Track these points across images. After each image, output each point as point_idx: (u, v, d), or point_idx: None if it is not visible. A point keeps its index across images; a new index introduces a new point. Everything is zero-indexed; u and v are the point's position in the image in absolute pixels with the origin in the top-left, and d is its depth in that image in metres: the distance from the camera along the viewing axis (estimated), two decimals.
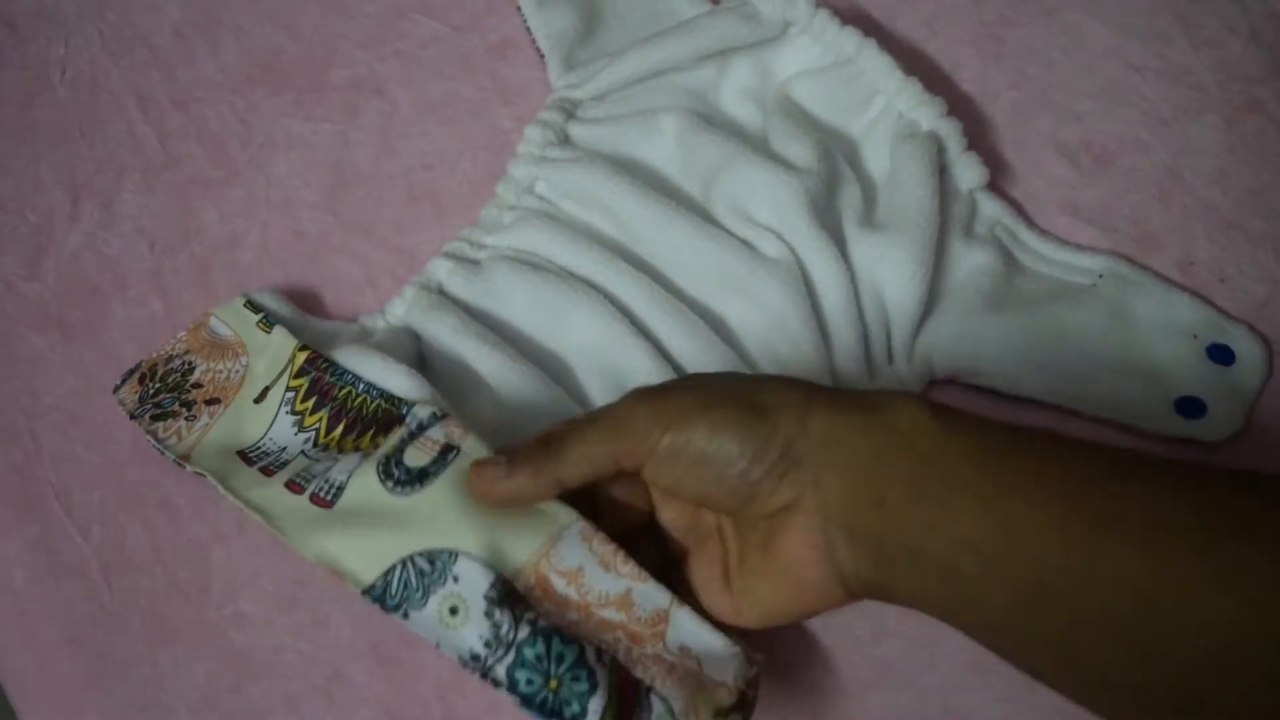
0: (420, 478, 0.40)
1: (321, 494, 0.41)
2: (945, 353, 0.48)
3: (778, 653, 0.43)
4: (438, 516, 0.39)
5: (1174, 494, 0.30)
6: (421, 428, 0.41)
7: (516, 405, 0.45)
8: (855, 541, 0.34)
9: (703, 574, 0.39)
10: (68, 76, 0.57)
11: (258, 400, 0.45)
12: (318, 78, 0.56)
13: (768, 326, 0.47)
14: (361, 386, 0.43)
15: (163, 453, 0.44)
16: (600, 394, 0.46)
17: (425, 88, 0.56)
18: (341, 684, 0.44)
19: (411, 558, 0.38)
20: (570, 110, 0.52)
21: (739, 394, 0.35)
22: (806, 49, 0.53)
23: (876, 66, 0.51)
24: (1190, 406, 0.46)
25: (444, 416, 0.41)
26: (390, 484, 0.40)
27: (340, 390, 0.43)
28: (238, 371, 0.46)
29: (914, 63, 0.54)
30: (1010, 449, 0.32)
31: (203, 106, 0.56)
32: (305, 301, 0.50)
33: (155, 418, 0.45)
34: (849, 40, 0.52)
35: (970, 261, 0.49)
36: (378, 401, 0.43)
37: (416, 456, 0.40)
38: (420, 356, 0.48)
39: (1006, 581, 0.31)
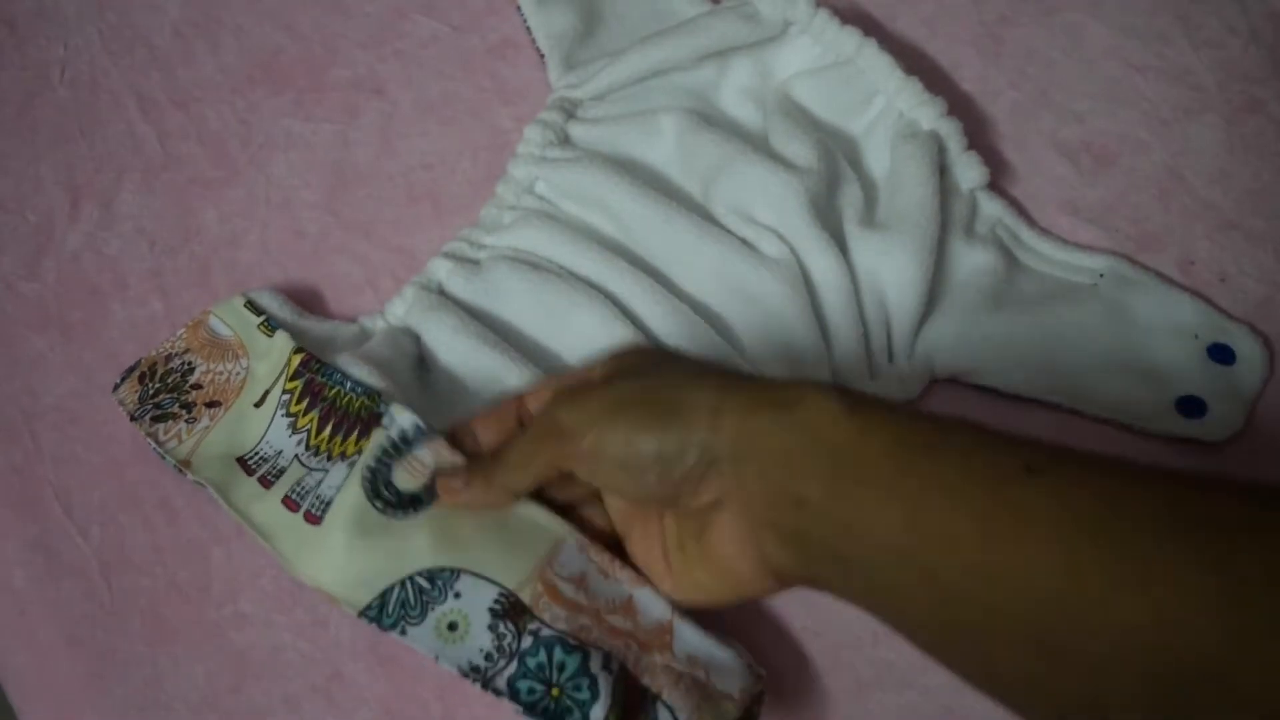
0: (413, 503, 0.40)
1: (314, 510, 0.41)
2: (946, 352, 0.48)
3: (778, 653, 0.43)
4: (435, 539, 0.40)
5: (1092, 491, 0.29)
6: (406, 441, 0.41)
7: None
8: (781, 539, 0.34)
9: (643, 555, 0.39)
10: (68, 76, 0.57)
11: (258, 404, 0.45)
12: (318, 78, 0.56)
13: (767, 326, 0.47)
14: (349, 385, 0.43)
15: (163, 457, 0.44)
16: None
17: (425, 88, 0.56)
18: (341, 684, 0.44)
19: (411, 578, 0.39)
20: (570, 110, 0.52)
21: (655, 394, 0.35)
22: (806, 49, 0.53)
23: (877, 66, 0.51)
24: (1191, 406, 0.46)
25: (429, 431, 0.41)
26: (380, 504, 0.40)
27: (330, 390, 0.44)
28: (238, 374, 0.46)
29: (914, 62, 0.54)
30: (928, 446, 0.32)
31: (203, 106, 0.56)
32: (305, 301, 0.50)
33: (155, 419, 0.45)
34: (849, 40, 0.52)
35: (971, 261, 0.49)
36: (361, 399, 0.43)
37: (406, 480, 0.41)
38: (420, 357, 0.48)
39: (923, 582, 0.31)
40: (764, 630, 0.44)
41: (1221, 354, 0.48)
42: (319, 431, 0.43)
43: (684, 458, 0.34)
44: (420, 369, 0.47)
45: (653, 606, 0.39)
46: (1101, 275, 0.50)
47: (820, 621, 0.44)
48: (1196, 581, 0.27)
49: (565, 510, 0.41)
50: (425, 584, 0.39)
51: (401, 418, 0.42)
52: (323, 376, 0.44)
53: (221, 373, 0.46)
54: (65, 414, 0.49)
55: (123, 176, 0.54)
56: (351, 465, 0.41)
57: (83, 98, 0.57)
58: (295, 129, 0.55)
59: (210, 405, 0.45)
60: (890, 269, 0.47)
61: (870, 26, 0.55)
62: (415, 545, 0.39)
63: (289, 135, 0.55)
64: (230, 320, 0.47)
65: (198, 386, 0.46)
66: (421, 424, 0.41)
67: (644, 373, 0.37)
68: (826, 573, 0.34)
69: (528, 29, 0.56)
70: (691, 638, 0.38)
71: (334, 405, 0.43)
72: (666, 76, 0.53)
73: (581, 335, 0.47)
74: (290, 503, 0.42)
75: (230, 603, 0.45)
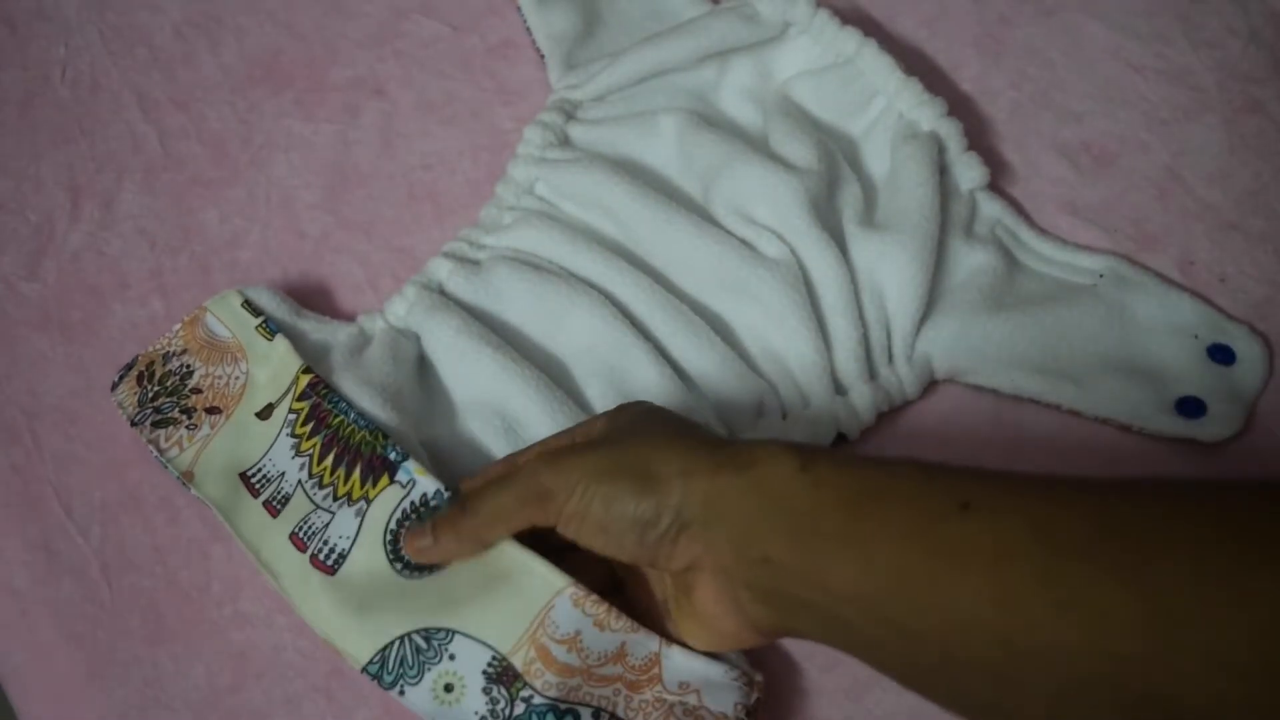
0: (432, 565, 0.40)
1: (321, 557, 0.41)
2: (946, 352, 0.48)
3: (778, 653, 0.43)
4: (438, 597, 0.40)
5: (1023, 520, 0.30)
6: (427, 505, 0.41)
7: (518, 407, 0.45)
8: (755, 596, 0.35)
9: (644, 601, 0.40)
10: (68, 76, 0.57)
11: (262, 416, 0.45)
12: (318, 78, 0.56)
13: (768, 326, 0.47)
14: (352, 415, 0.43)
15: (165, 466, 0.45)
16: (600, 395, 0.46)
17: (425, 88, 0.56)
18: (341, 683, 0.44)
19: (409, 635, 0.39)
20: (570, 111, 0.52)
21: (632, 461, 0.36)
22: (806, 49, 0.53)
23: (877, 67, 0.51)
24: (1191, 406, 0.46)
25: (451, 495, 0.41)
26: (399, 566, 0.40)
27: (334, 419, 0.43)
28: (238, 378, 0.46)
29: (914, 63, 0.54)
30: (875, 492, 0.33)
31: (203, 106, 0.56)
32: (305, 302, 0.50)
33: (156, 424, 0.45)
34: (849, 40, 0.52)
35: (971, 261, 0.49)
36: (363, 433, 0.43)
37: None
38: (421, 358, 0.48)
39: (883, 626, 0.32)
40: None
41: (1221, 354, 0.48)
42: (320, 459, 0.43)
43: (659, 522, 0.35)
44: (421, 371, 0.47)
45: (641, 646, 0.39)
46: (1101, 275, 0.50)
47: None
48: (1118, 603, 0.28)
49: (564, 550, 0.41)
50: (422, 643, 0.39)
51: (423, 480, 0.42)
52: (329, 403, 0.44)
53: (221, 376, 0.46)
54: (65, 414, 0.49)
55: (123, 176, 0.54)
56: (359, 513, 0.41)
57: (83, 98, 0.57)
58: (295, 129, 0.55)
59: (210, 411, 0.45)
60: (890, 269, 0.47)
61: (870, 27, 0.55)
62: (416, 601, 0.40)
63: (289, 135, 0.55)
64: (228, 320, 0.47)
65: (197, 390, 0.46)
66: (443, 488, 0.41)
67: (629, 436, 0.38)
68: (802, 624, 0.35)
69: (528, 29, 0.56)
70: (681, 662, 0.39)
71: (337, 434, 0.43)
72: (666, 77, 0.53)
73: (582, 335, 0.47)
74: (298, 541, 0.42)
75: (230, 603, 0.45)
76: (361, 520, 0.41)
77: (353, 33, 0.57)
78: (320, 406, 0.44)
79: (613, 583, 0.41)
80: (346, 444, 0.43)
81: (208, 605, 0.45)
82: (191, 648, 0.44)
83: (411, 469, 0.42)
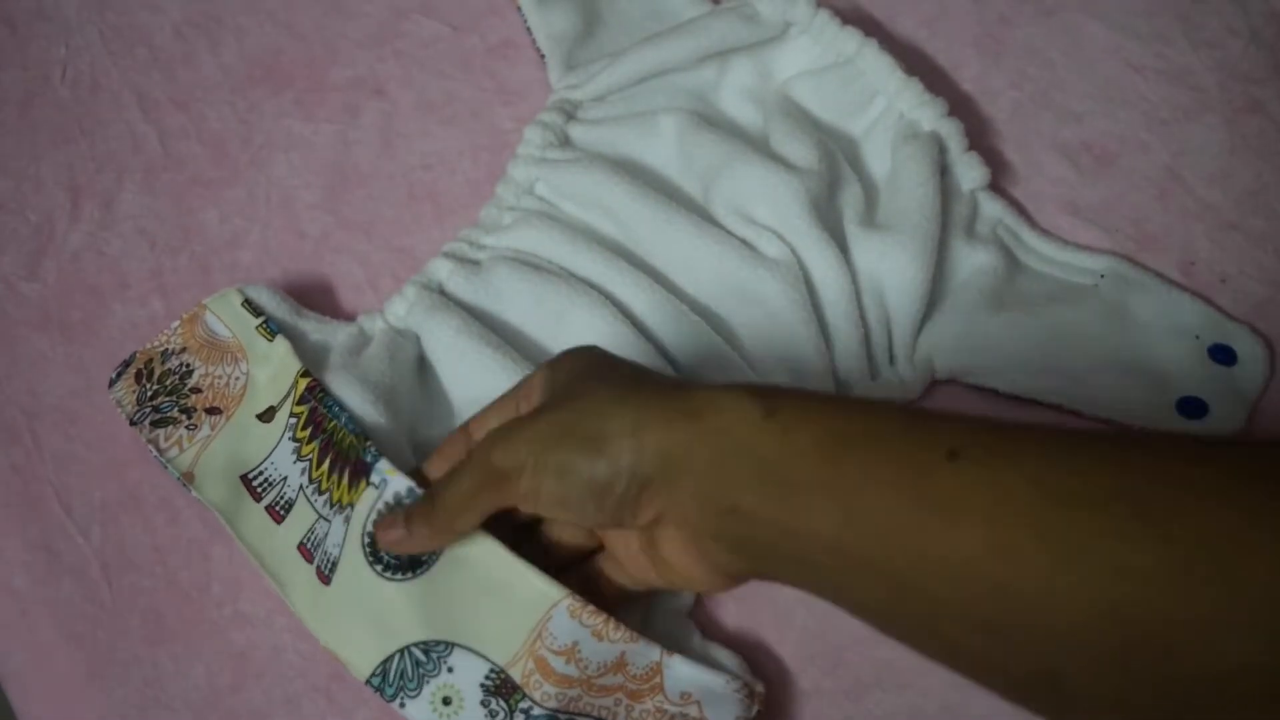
0: (413, 565, 0.40)
1: (323, 568, 0.41)
2: (947, 353, 0.48)
3: (777, 653, 0.43)
4: (433, 608, 0.39)
5: (1015, 469, 0.30)
6: (401, 504, 0.40)
7: None
8: (724, 545, 0.35)
9: (623, 554, 0.40)
10: (68, 76, 0.57)
11: (264, 419, 0.45)
12: (318, 78, 0.56)
13: (768, 326, 0.47)
14: (344, 419, 0.43)
15: (165, 466, 0.45)
16: None
17: (425, 88, 0.56)
18: (341, 684, 0.44)
19: (408, 648, 0.39)
20: (570, 111, 0.52)
21: (580, 426, 0.35)
22: (807, 49, 0.53)
23: (877, 67, 0.51)
24: (1192, 407, 0.46)
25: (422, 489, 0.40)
26: (380, 567, 0.40)
27: (329, 423, 0.43)
28: (238, 379, 0.46)
29: (914, 63, 0.54)
30: (851, 440, 0.32)
31: (203, 106, 0.56)
32: (305, 302, 0.50)
33: (155, 424, 0.45)
34: (849, 40, 0.52)
35: (972, 261, 0.49)
36: (350, 437, 0.42)
37: None
38: (420, 358, 0.48)
39: (869, 574, 0.31)
40: (764, 630, 0.44)
41: (1222, 354, 0.48)
42: (319, 464, 0.43)
43: (615, 485, 0.34)
44: (420, 372, 0.47)
45: (642, 655, 0.39)
46: (1102, 276, 0.50)
47: (820, 621, 0.44)
48: (1126, 556, 0.27)
49: (535, 525, 0.40)
50: (421, 656, 0.39)
51: (394, 480, 0.40)
52: (325, 407, 0.43)
53: (221, 377, 0.46)
54: (65, 414, 0.49)
55: (123, 176, 0.54)
56: (346, 520, 0.41)
57: (83, 98, 0.57)
58: (295, 129, 0.55)
59: (210, 412, 0.45)
60: (891, 269, 0.47)
61: (870, 27, 0.55)
62: (412, 615, 0.40)
63: (289, 135, 0.55)
64: (228, 319, 0.47)
65: (197, 390, 0.46)
66: (415, 485, 0.40)
67: (573, 395, 0.36)
68: (774, 570, 0.35)
69: (528, 29, 0.56)
70: (683, 671, 0.39)
71: (331, 439, 0.43)
72: (666, 77, 0.53)
73: (582, 336, 0.47)
74: (306, 552, 0.42)
75: (230, 603, 0.45)
76: (347, 526, 0.41)
77: (353, 33, 0.57)
78: (317, 411, 0.44)
79: (594, 540, 0.41)
80: (339, 449, 0.43)
81: (208, 605, 0.45)
82: (191, 648, 0.44)
83: (383, 469, 0.41)
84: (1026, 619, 0.29)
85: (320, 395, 0.44)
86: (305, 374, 0.44)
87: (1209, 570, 0.26)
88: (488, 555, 0.39)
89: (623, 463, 0.34)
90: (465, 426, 0.41)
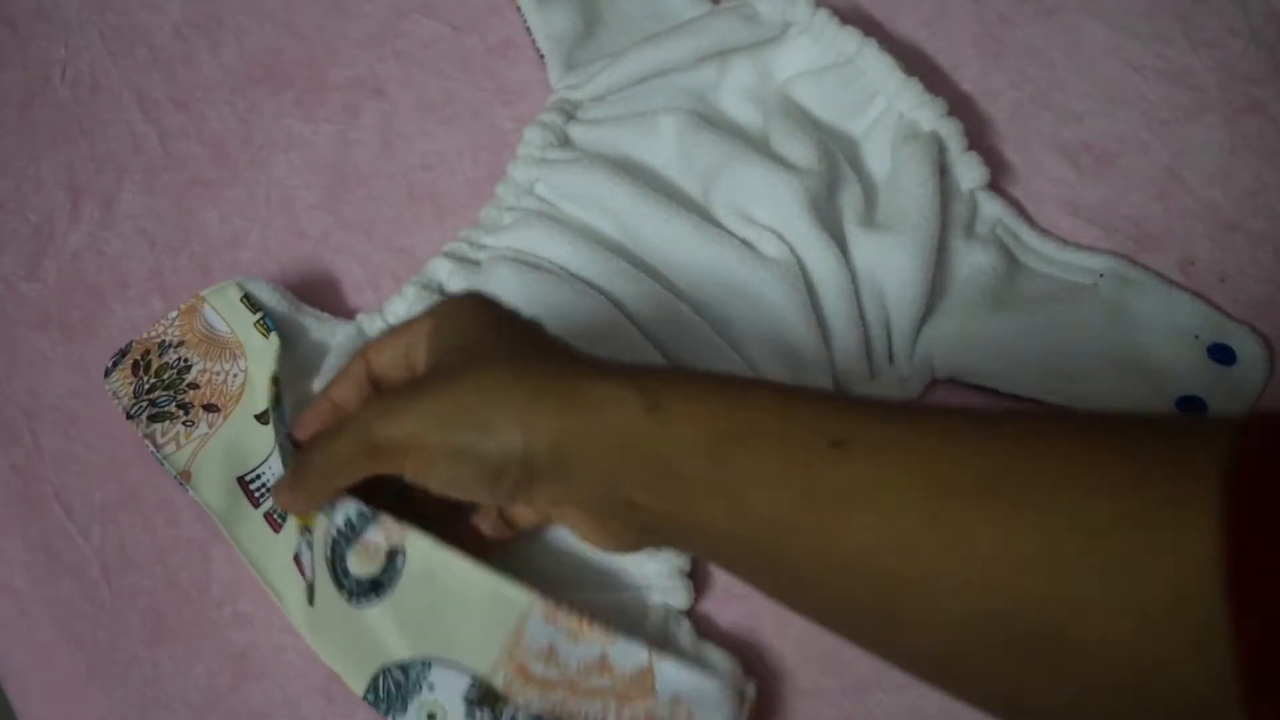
0: (374, 588, 0.39)
1: (307, 591, 0.41)
2: (946, 352, 0.48)
3: (777, 652, 0.43)
4: (406, 626, 0.39)
5: (903, 458, 0.30)
6: (353, 528, 0.39)
7: None
8: (628, 525, 0.35)
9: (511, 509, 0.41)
10: (68, 76, 0.57)
11: (262, 420, 0.45)
12: (318, 78, 0.56)
13: (768, 326, 0.47)
14: (280, 436, 0.42)
15: (162, 463, 0.45)
16: None
17: (425, 88, 0.56)
18: (341, 685, 0.43)
19: (388, 669, 0.39)
20: (570, 111, 0.52)
21: (469, 407, 0.34)
22: (806, 49, 0.53)
23: (877, 66, 0.51)
24: (1191, 406, 0.46)
25: (372, 512, 0.39)
26: (345, 595, 0.39)
27: (278, 437, 0.42)
28: (236, 376, 0.46)
29: (914, 63, 0.54)
30: (735, 436, 0.32)
31: (203, 106, 0.56)
32: (305, 302, 0.50)
33: (152, 419, 0.45)
34: (849, 40, 0.52)
35: (971, 261, 0.49)
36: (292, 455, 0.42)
37: (362, 564, 0.39)
38: None
39: (762, 564, 0.32)
40: (764, 629, 0.44)
41: (1222, 354, 0.48)
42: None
43: (508, 471, 0.34)
44: None
45: (628, 656, 0.38)
46: (1101, 275, 0.50)
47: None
48: (1011, 542, 0.28)
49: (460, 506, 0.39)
50: (400, 676, 0.39)
51: (343, 505, 0.39)
52: (278, 419, 0.43)
53: (219, 373, 0.46)
54: (65, 414, 0.49)
55: (123, 176, 0.54)
56: (309, 544, 0.41)
57: (83, 98, 0.57)
58: (295, 129, 0.55)
59: (208, 409, 0.45)
60: (890, 269, 0.47)
61: (870, 27, 0.55)
62: (387, 635, 0.39)
63: (289, 135, 0.55)
64: (226, 314, 0.47)
65: (194, 386, 0.46)
66: (365, 508, 0.39)
67: (461, 368, 0.35)
68: (683, 547, 0.36)
69: (528, 29, 0.56)
70: (674, 675, 0.38)
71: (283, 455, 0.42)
72: (666, 77, 0.53)
73: (582, 336, 0.47)
74: (299, 565, 0.42)
75: (230, 603, 0.45)
76: (313, 550, 0.41)
77: (353, 33, 0.57)
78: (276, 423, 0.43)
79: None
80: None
81: (208, 606, 0.45)
82: (191, 648, 0.44)
83: None
84: (920, 607, 0.29)
85: (276, 405, 0.43)
86: (275, 380, 0.44)
87: (1078, 555, 0.27)
88: (454, 567, 0.39)
89: (513, 453, 0.33)
90: (364, 352, 0.40)
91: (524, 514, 0.41)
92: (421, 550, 0.39)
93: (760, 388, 0.34)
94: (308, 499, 0.39)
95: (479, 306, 0.38)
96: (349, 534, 0.39)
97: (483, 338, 0.36)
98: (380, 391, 0.39)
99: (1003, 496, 0.28)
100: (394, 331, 0.39)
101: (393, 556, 0.39)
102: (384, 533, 0.39)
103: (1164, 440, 0.28)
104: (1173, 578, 0.26)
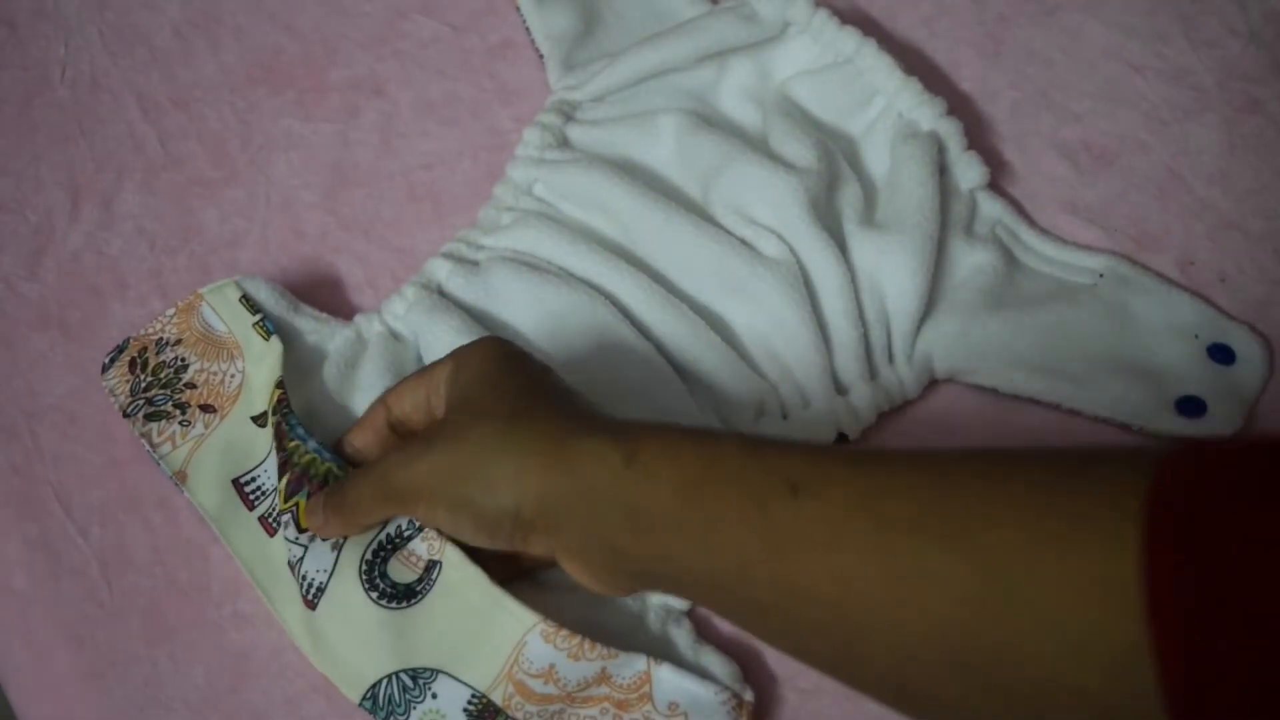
0: (408, 595, 0.40)
1: (306, 594, 0.41)
2: (946, 352, 0.48)
3: (777, 654, 0.43)
4: (419, 635, 0.40)
5: (849, 498, 0.32)
6: (402, 536, 0.41)
7: None
8: (616, 572, 0.37)
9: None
10: (68, 76, 0.57)
11: (259, 422, 0.45)
12: (318, 78, 0.56)
13: (768, 326, 0.47)
14: (311, 445, 0.42)
15: (158, 463, 0.44)
16: (600, 396, 0.46)
17: (425, 88, 0.56)
18: None
19: (397, 674, 0.40)
20: (569, 112, 0.52)
21: (470, 462, 0.37)
22: (806, 49, 0.53)
23: (876, 66, 0.51)
24: (1191, 406, 0.46)
25: (421, 529, 0.41)
26: (375, 595, 0.40)
27: (289, 441, 0.43)
28: (234, 377, 0.46)
29: (914, 63, 0.54)
30: (699, 481, 0.34)
31: (203, 106, 0.56)
32: (304, 301, 0.50)
33: (148, 417, 0.45)
34: (849, 40, 0.52)
35: (971, 261, 0.49)
36: (329, 465, 0.42)
37: (402, 572, 0.41)
38: (419, 360, 0.47)
39: (733, 599, 0.35)
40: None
41: (1221, 354, 0.48)
42: (279, 477, 0.43)
43: (503, 525, 0.37)
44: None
45: (627, 666, 0.39)
46: (1101, 275, 0.50)
47: None
48: (948, 571, 0.29)
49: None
50: (409, 681, 0.40)
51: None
52: (287, 424, 0.43)
53: (216, 373, 0.46)
54: (65, 414, 0.49)
55: (123, 176, 0.54)
56: (335, 546, 0.41)
57: (83, 98, 0.57)
58: (295, 129, 0.55)
59: (205, 409, 0.45)
60: (890, 269, 0.47)
61: (870, 26, 0.55)
62: (399, 642, 0.40)
63: (289, 135, 0.55)
64: (225, 314, 0.46)
65: (192, 386, 0.46)
66: (414, 521, 0.41)
67: (466, 420, 0.38)
68: (670, 589, 0.40)
69: (527, 30, 0.56)
70: (671, 681, 0.39)
71: (291, 458, 0.42)
72: (665, 78, 0.53)
73: (581, 336, 0.47)
74: (293, 570, 0.42)
75: (230, 603, 0.45)
76: (339, 554, 0.41)
77: (353, 33, 0.57)
78: (280, 425, 0.43)
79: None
80: (305, 472, 0.42)
81: (207, 605, 0.45)
82: (191, 648, 0.44)
83: None
84: (868, 637, 0.31)
85: (285, 410, 0.43)
86: (280, 384, 0.44)
87: (1006, 593, 0.28)
88: (469, 582, 0.40)
89: (506, 508, 0.37)
90: (384, 399, 0.43)
91: (528, 555, 0.42)
92: (455, 565, 0.40)
93: (729, 439, 0.36)
94: (338, 531, 0.41)
95: (494, 350, 0.41)
96: (397, 541, 0.41)
97: (493, 386, 0.39)
98: (404, 436, 0.42)
99: (930, 530, 0.30)
100: (416, 377, 0.42)
101: (430, 569, 0.41)
102: (427, 545, 0.41)
103: (1086, 470, 0.30)
104: (1096, 603, 0.27)
